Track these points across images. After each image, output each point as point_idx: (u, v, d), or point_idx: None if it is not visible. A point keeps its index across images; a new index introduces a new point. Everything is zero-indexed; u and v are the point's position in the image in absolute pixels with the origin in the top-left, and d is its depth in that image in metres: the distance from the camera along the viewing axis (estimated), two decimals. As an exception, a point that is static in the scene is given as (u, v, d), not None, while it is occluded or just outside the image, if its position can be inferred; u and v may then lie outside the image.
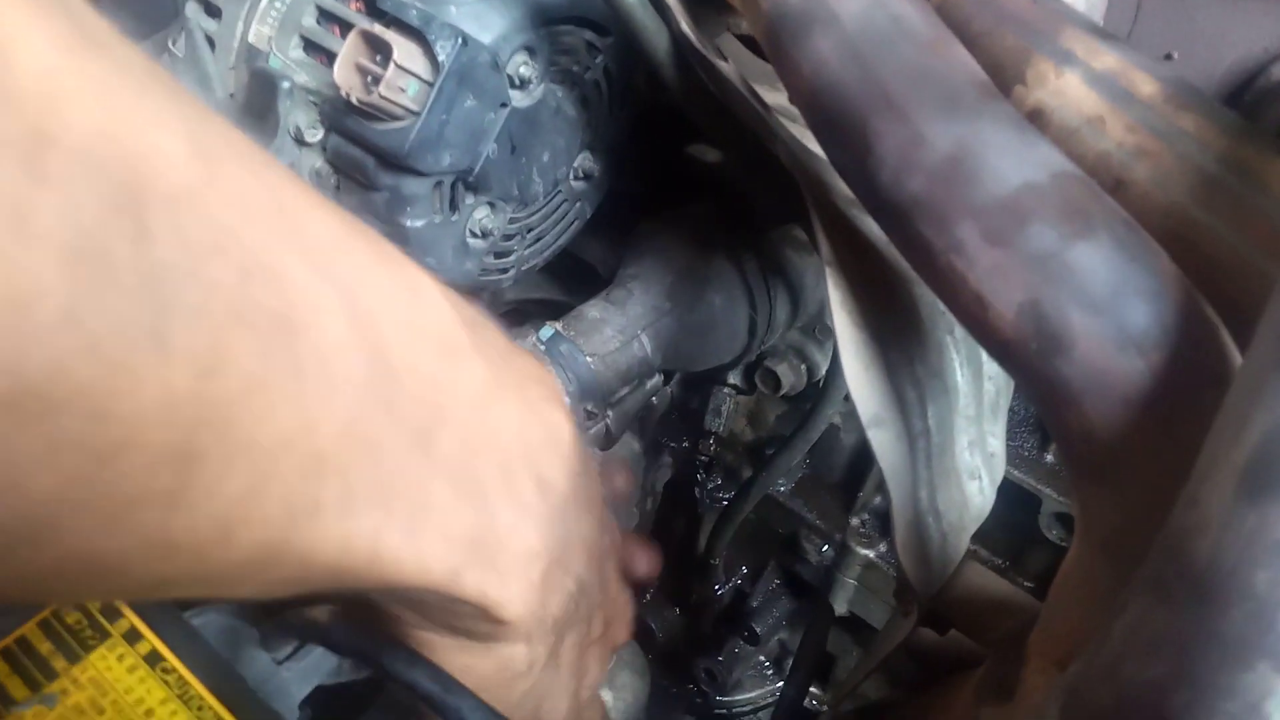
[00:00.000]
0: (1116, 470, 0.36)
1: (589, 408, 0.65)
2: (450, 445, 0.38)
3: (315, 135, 0.56)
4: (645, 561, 0.63)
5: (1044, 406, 0.37)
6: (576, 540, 0.46)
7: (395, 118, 0.53)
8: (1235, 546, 0.26)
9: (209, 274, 0.26)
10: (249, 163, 0.30)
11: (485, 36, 0.53)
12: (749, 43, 0.68)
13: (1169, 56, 0.55)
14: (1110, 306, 0.35)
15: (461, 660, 0.43)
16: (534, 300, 0.86)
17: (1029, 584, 0.81)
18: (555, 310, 0.70)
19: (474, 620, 0.41)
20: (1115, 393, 0.35)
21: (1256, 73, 0.51)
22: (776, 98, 0.63)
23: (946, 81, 0.40)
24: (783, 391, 0.80)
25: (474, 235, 0.62)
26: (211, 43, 0.60)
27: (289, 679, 0.47)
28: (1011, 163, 0.38)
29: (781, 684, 1.00)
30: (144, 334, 0.24)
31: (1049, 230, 0.36)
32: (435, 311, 0.38)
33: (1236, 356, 0.36)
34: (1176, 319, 0.35)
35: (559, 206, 0.68)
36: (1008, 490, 0.58)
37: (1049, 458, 0.78)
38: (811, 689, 0.93)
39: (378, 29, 0.51)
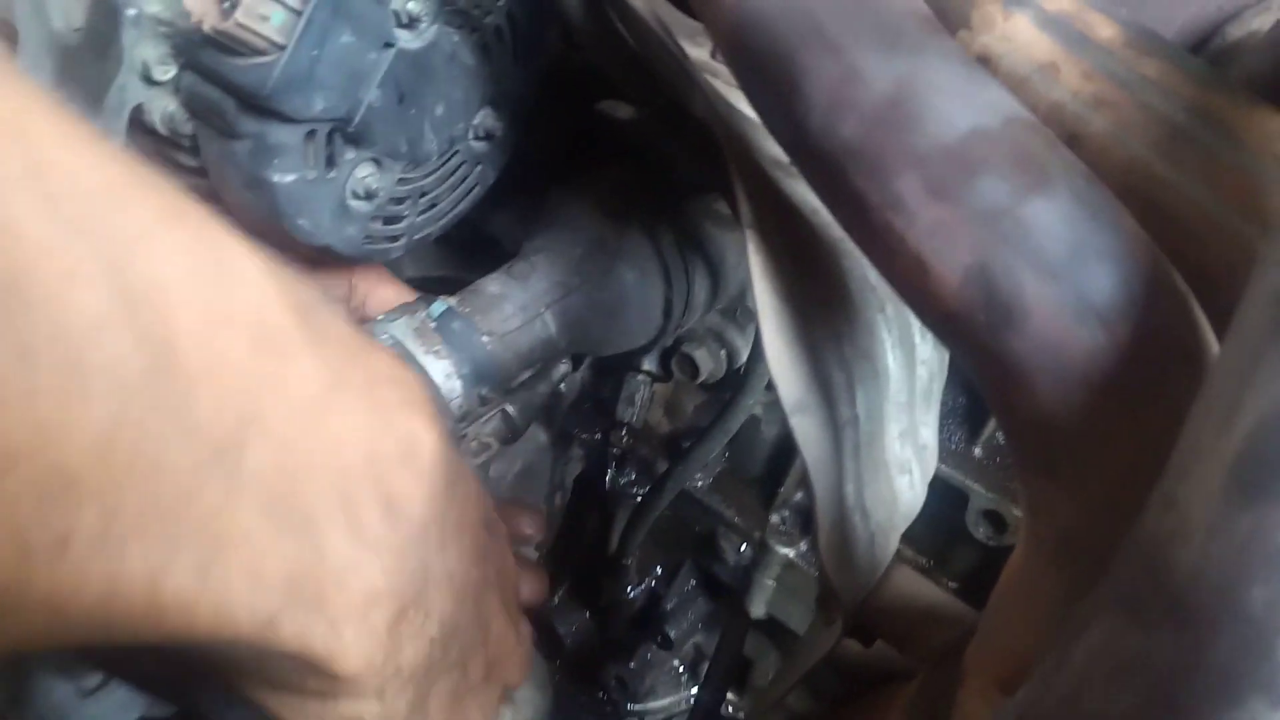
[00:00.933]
0: (1072, 462, 0.31)
1: (483, 393, 0.58)
2: (263, 463, 0.30)
3: (167, 73, 0.48)
4: (527, 587, 0.57)
5: (990, 387, 0.32)
6: (440, 575, 0.39)
7: (257, 51, 0.45)
8: (1225, 557, 0.21)
9: None
10: None
11: (367, -27, 0.47)
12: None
13: (1116, 20, 0.51)
14: (1068, 271, 0.30)
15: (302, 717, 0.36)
16: (436, 278, 0.79)
17: (954, 584, 0.77)
18: (459, 289, 0.63)
19: (302, 676, 0.34)
20: (1073, 370, 0.30)
21: (1211, 33, 0.48)
22: (699, 54, 0.57)
23: (885, 13, 0.35)
24: (701, 379, 0.74)
25: (356, 196, 0.55)
26: (53, -35, 0.52)
27: (99, 713, 0.39)
28: (959, 105, 0.32)
29: (696, 690, 0.94)
30: None
31: (1000, 183, 0.31)
32: (249, 291, 0.31)
33: (1207, 330, 0.31)
34: (1143, 286, 0.30)
35: (457, 168, 0.61)
36: (934, 485, 0.54)
37: (977, 451, 0.74)
38: (728, 695, 0.88)
39: (237, -54, 0.44)
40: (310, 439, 0.33)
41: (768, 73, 0.37)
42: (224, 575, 0.29)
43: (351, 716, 0.37)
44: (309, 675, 0.34)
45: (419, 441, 0.38)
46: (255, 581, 0.30)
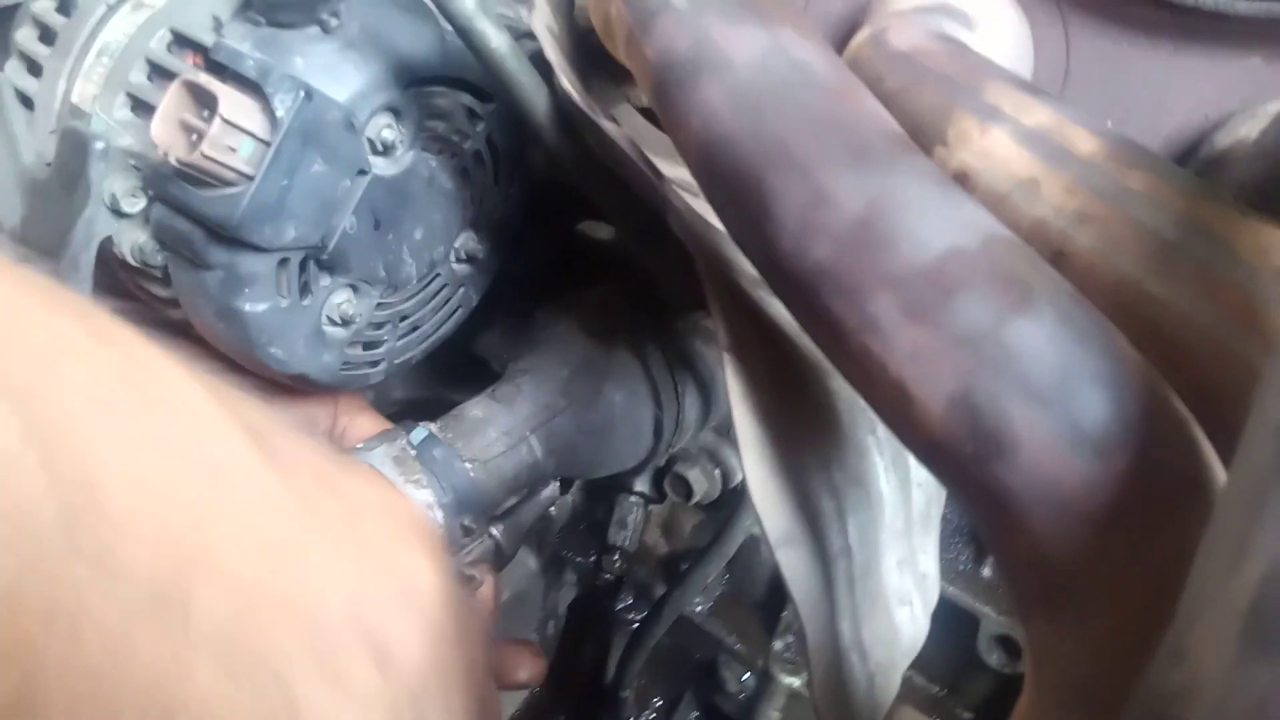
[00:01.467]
0: (1074, 603, 0.29)
1: (466, 522, 0.56)
2: (216, 611, 0.27)
3: (136, 205, 0.48)
4: (526, 668, 0.53)
5: (983, 523, 0.30)
6: None
7: (225, 182, 0.45)
8: (1240, 717, 0.19)
9: None
10: None
11: (339, 93, 0.47)
12: (649, 116, 0.63)
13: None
14: (1058, 397, 0.28)
15: None
16: (425, 400, 0.78)
17: (968, 715, 0.73)
18: (449, 410, 0.61)
19: None
20: (1070, 506, 0.28)
21: (1198, 142, 0.47)
22: (678, 171, 0.57)
23: (855, 132, 0.34)
24: (695, 499, 0.72)
25: (332, 323, 0.54)
26: (30, 103, 0.52)
27: None
28: (933, 225, 0.31)
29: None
30: None
31: (981, 303, 0.30)
32: (186, 418, 0.28)
33: (1213, 457, 0.29)
34: (1138, 411, 0.28)
35: (438, 292, 0.60)
36: (942, 608, 0.51)
37: (986, 571, 0.71)
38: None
39: (203, 79, 0.44)
40: (276, 581, 0.30)
41: (737, 195, 0.35)
42: None
43: None
44: None
45: (416, 578, 0.35)
46: None
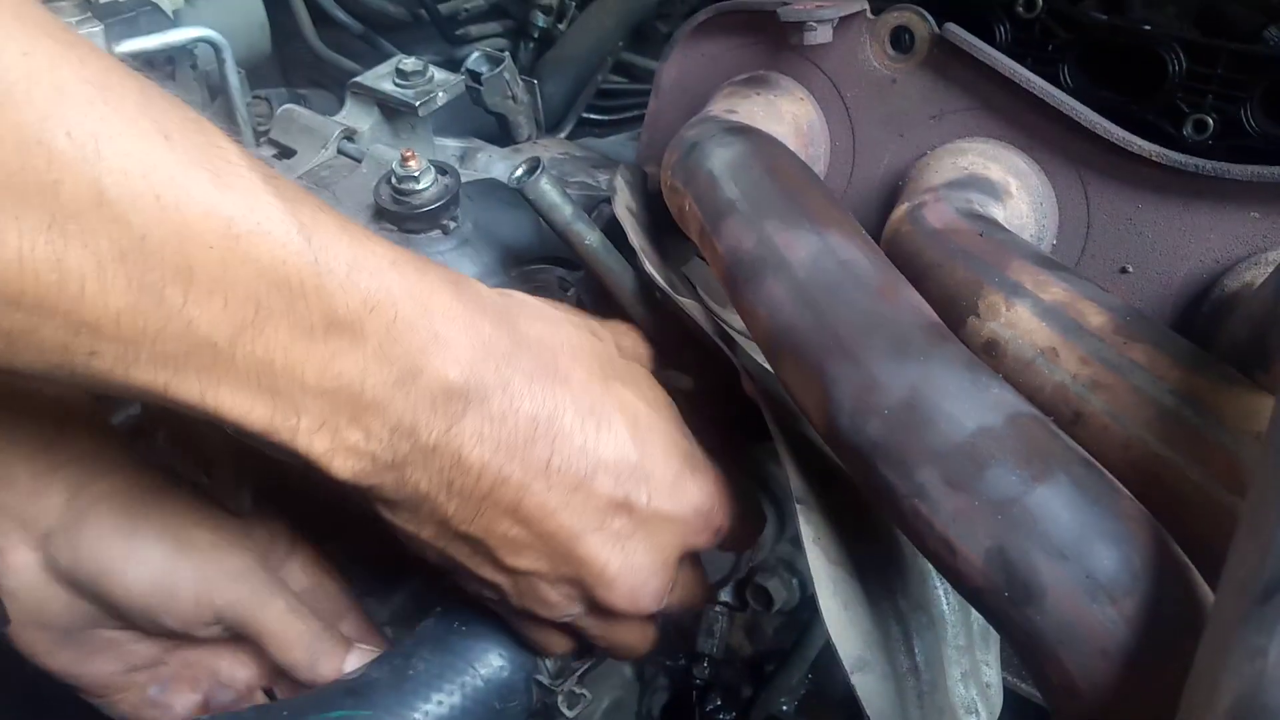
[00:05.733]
0: (1103, 725, 0.34)
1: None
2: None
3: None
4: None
5: (1024, 657, 0.36)
6: None
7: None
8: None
9: None
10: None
11: (457, 283, 0.55)
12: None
13: (1125, 270, 0.56)
14: (1076, 552, 0.34)
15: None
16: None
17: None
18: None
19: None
20: (1091, 644, 0.34)
21: (1210, 284, 0.52)
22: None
23: (896, 325, 0.41)
24: (775, 607, 0.77)
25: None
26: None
27: None
28: (965, 407, 0.38)
29: None
30: None
31: (1008, 474, 0.36)
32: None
33: (1210, 597, 0.35)
34: (1145, 563, 0.34)
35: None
36: (1011, 703, 0.55)
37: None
38: None
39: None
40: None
41: (800, 376, 0.43)
42: None
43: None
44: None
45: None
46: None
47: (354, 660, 0.56)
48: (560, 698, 0.60)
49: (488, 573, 0.48)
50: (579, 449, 0.45)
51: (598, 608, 0.49)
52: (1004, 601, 0.36)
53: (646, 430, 0.48)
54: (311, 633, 0.55)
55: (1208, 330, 0.52)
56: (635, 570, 0.48)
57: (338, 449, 0.41)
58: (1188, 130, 0.75)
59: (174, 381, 0.36)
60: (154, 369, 0.36)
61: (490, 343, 0.43)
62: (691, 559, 0.54)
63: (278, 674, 0.58)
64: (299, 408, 0.39)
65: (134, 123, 0.34)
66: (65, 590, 0.52)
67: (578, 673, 0.61)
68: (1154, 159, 0.52)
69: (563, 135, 0.96)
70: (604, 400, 0.47)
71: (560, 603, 0.49)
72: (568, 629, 0.53)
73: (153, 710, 0.58)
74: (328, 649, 0.56)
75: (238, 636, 0.56)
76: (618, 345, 0.53)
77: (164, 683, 0.58)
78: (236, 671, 0.59)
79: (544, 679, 0.60)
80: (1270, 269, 0.49)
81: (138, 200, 0.33)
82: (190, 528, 0.53)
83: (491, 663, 0.57)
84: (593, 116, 1.04)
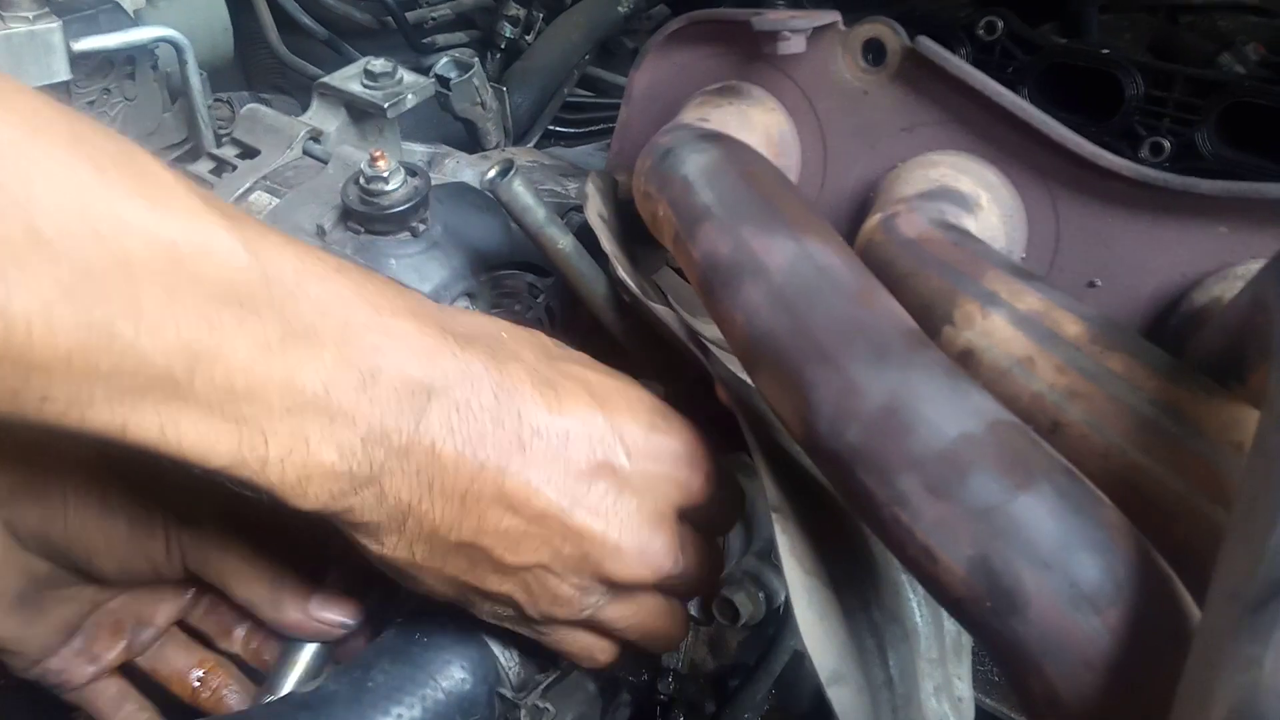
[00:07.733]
0: (1086, 737, 0.34)
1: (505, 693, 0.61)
2: None
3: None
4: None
5: (1005, 667, 0.35)
6: None
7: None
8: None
9: None
10: None
11: (424, 286, 0.54)
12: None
13: (1093, 284, 0.56)
14: (1059, 562, 0.34)
15: None
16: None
17: (1015, 823, 0.76)
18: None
19: None
20: (1075, 655, 0.33)
21: (1179, 298, 0.53)
22: (717, 331, 0.63)
23: (875, 331, 0.40)
24: (741, 621, 0.76)
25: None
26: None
27: None
28: (946, 413, 0.37)
29: None
30: None
31: (990, 482, 0.36)
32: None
33: (1192, 607, 0.35)
34: (1128, 572, 0.34)
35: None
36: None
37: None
38: None
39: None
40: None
41: (779, 382, 0.42)
42: None
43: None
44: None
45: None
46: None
47: (316, 605, 0.55)
48: (523, 712, 0.59)
49: (493, 583, 0.47)
50: (546, 422, 0.45)
51: (615, 586, 0.49)
52: (986, 612, 0.35)
53: (605, 393, 0.48)
54: (276, 570, 0.55)
55: (1176, 344, 0.52)
56: (636, 530, 0.48)
57: (311, 474, 0.40)
58: (1144, 153, 0.76)
59: (132, 419, 0.36)
60: (110, 408, 0.35)
61: (442, 334, 0.44)
62: (694, 523, 0.53)
63: (237, 618, 0.60)
64: (266, 433, 0.38)
65: (65, 160, 0.33)
66: (23, 552, 0.52)
67: (541, 685, 0.60)
68: (1124, 173, 0.52)
69: (530, 146, 0.95)
70: (555, 374, 0.48)
71: (576, 595, 0.48)
72: (599, 628, 0.52)
73: (80, 661, 0.58)
74: (292, 587, 0.55)
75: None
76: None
77: (87, 633, 0.58)
78: (156, 610, 0.60)
79: (507, 692, 0.59)
80: (1238, 283, 0.50)
81: (77, 237, 0.33)
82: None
83: (453, 675, 0.55)
84: (559, 129, 1.03)
